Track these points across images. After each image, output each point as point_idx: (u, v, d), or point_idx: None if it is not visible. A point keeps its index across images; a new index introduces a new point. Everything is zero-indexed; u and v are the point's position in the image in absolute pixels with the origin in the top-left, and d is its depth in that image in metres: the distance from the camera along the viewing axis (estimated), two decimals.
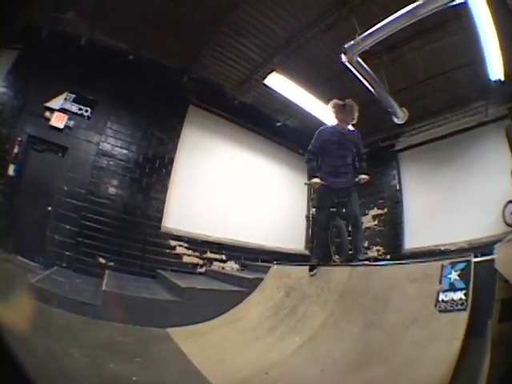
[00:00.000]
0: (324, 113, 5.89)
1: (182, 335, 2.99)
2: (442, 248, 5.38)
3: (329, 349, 2.38)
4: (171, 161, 5.56)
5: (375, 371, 1.97)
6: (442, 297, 2.20)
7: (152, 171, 5.42)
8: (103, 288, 3.46)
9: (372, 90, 4.99)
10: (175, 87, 5.69)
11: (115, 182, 5.19)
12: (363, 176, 3.39)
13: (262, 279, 3.78)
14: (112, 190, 5.17)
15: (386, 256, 6.05)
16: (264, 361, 2.28)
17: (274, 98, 5.89)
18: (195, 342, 2.86)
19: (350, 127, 3.45)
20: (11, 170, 5.28)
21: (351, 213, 3.40)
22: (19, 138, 5.36)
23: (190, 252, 5.47)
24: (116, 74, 5.32)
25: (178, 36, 5.10)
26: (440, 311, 2.13)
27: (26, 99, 5.47)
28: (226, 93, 6.10)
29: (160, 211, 5.36)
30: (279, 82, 5.31)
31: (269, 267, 3.98)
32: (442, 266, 2.35)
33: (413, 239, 6.19)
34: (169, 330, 3.15)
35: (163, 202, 5.41)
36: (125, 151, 5.36)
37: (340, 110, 3.31)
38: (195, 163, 5.82)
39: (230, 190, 6.06)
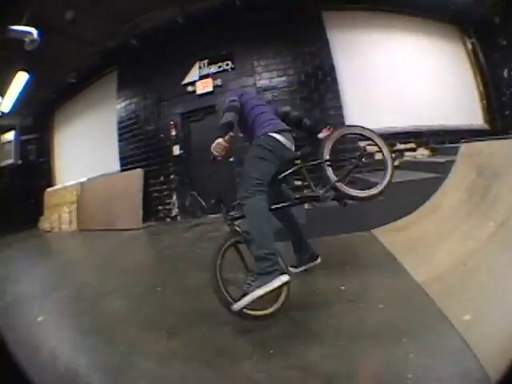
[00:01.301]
0: None
1: (385, 234, 2.94)
2: None
3: None
4: (332, 67, 5.29)
5: None
6: None
7: (319, 84, 5.27)
8: (305, 207, 3.46)
9: None
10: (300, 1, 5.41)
11: (287, 109, 5.00)
12: None
13: (453, 161, 3.32)
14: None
15: None
16: (461, 251, 2.06)
17: None
18: (398, 238, 2.76)
19: None
20: (176, 150, 5.65)
21: None
22: (171, 122, 5.72)
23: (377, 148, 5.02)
24: (234, 19, 5.43)
25: None
26: None
27: (158, 92, 5.93)
28: None
29: (340, 117, 5.16)
30: None
31: (457, 148, 3.43)
32: None
33: None
34: (373, 230, 3.10)
35: (340, 107, 5.21)
36: (283, 78, 5.33)
37: None
38: (355, 61, 5.47)
39: (397, 76, 5.55)
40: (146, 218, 5.89)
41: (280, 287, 1.63)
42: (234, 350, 1.54)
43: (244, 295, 1.60)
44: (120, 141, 6.53)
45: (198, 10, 5.46)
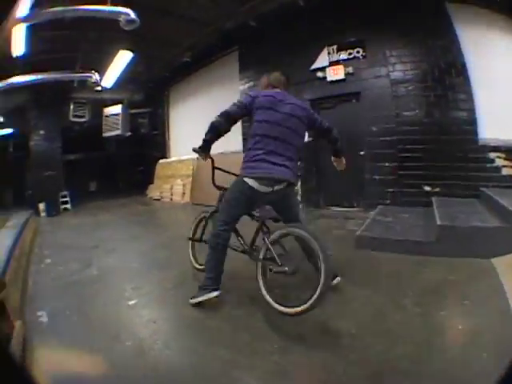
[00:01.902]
0: None
1: (504, 267, 2.74)
2: None
3: None
4: (464, 66, 4.93)
5: None
6: None
7: (451, 82, 4.96)
8: (438, 223, 3.25)
9: None
10: None
11: (421, 105, 5.02)
12: None
13: None
14: (421, 114, 4.99)
15: None
16: None
17: None
18: None
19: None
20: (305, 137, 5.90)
21: None
22: None
23: (507, 163, 4.72)
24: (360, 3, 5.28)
25: None
26: None
27: (284, 76, 6.11)
28: None
29: (473, 122, 4.73)
30: None
31: None
32: None
33: None
34: (493, 260, 2.89)
35: (473, 110, 4.75)
36: (417, 71, 5.13)
37: None
38: (484, 62, 4.97)
39: None
40: None
41: (209, 299, 2.15)
42: None
43: (193, 297, 2.21)
44: (243, 121, 6.90)
45: None
